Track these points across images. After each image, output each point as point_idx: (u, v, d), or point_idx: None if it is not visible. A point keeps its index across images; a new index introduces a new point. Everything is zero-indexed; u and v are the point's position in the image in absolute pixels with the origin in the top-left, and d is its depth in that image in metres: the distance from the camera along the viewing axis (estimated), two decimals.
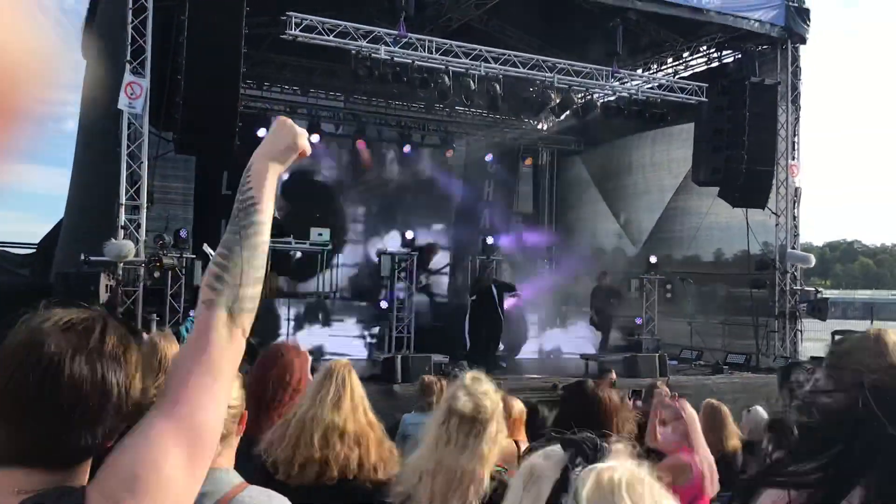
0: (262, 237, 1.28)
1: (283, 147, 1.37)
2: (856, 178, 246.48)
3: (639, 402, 7.48)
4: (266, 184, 1.32)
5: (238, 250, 1.26)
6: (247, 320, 1.27)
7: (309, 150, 1.40)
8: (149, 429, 1.12)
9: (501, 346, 13.94)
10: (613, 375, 9.53)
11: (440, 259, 14.75)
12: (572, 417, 3.49)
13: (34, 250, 15.18)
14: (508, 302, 13.91)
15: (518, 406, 4.69)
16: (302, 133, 1.40)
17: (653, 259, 15.72)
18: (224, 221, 8.82)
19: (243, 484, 2.10)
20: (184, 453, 1.10)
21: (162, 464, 1.07)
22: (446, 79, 12.19)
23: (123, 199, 10.13)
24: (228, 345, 1.22)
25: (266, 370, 4.38)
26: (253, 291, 1.28)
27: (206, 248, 13.92)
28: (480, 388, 2.91)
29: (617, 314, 14.83)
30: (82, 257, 9.77)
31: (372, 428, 3.76)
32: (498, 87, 12.68)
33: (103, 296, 9.19)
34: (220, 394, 1.19)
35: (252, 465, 3.78)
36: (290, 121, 1.41)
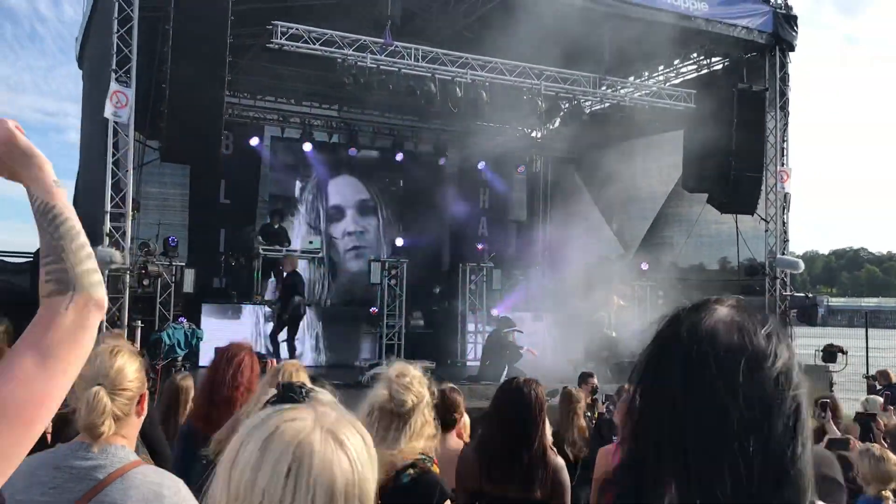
0: (68, 221, 1.31)
1: (28, 157, 1.33)
2: (863, 186, 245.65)
3: (612, 407, 7.55)
4: (46, 186, 1.32)
5: (55, 244, 1.29)
6: (97, 292, 1.30)
7: (17, 134, 1.34)
8: None
9: None
10: (594, 381, 9.57)
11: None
12: (500, 409, 3.55)
13: (30, 259, 15.32)
14: None
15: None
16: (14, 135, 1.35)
17: (644, 266, 15.77)
18: (223, 230, 8.93)
19: (138, 461, 2.15)
20: None
21: None
22: (432, 86, 12.28)
23: (108, 207, 10.20)
24: (72, 329, 1.26)
25: (218, 370, 4.43)
26: (89, 266, 1.31)
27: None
28: (403, 382, 2.91)
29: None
30: None
31: None
32: (485, 94, 12.75)
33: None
34: (46, 374, 1.21)
35: (201, 465, 3.83)
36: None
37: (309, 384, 3.40)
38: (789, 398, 1.02)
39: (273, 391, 1.17)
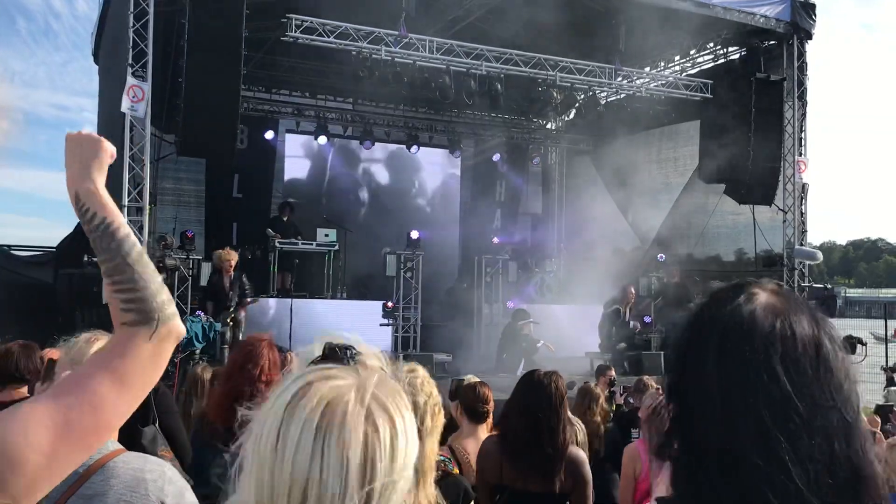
0: (136, 246, 1.34)
1: (95, 159, 1.38)
2: (881, 176, 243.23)
3: (630, 399, 7.52)
4: (102, 200, 1.35)
5: (127, 270, 1.31)
6: (178, 324, 1.34)
7: (113, 149, 1.40)
8: (30, 404, 1.16)
9: None
10: (612, 373, 9.53)
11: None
12: (521, 401, 3.54)
13: (41, 252, 15.42)
14: None
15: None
16: (99, 138, 1.40)
17: (661, 257, 15.68)
18: (235, 224, 8.88)
19: (120, 450, 2.09)
20: (50, 439, 1.12)
21: (25, 439, 1.09)
22: (447, 79, 12.24)
23: (126, 201, 10.25)
24: (149, 359, 1.28)
25: (237, 363, 4.44)
26: (165, 297, 1.34)
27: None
28: (414, 382, 2.89)
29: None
30: (85, 258, 9.91)
31: None
32: (499, 86, 12.69)
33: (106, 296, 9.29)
34: (118, 401, 1.22)
35: (220, 457, 3.84)
36: (82, 132, 1.40)
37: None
38: (840, 390, 0.97)
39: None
